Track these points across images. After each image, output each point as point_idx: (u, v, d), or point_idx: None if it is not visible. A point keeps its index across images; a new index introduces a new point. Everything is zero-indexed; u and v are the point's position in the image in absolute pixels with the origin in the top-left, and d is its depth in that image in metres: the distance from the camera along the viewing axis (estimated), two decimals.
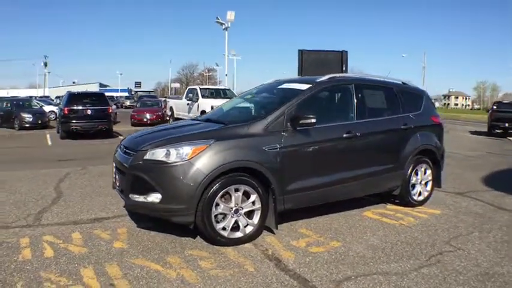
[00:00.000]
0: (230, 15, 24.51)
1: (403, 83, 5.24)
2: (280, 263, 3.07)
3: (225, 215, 3.38)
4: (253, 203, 3.49)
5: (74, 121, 12.34)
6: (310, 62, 17.77)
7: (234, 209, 3.39)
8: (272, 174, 3.52)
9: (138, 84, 74.70)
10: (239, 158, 3.37)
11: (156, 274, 2.81)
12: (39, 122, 16.34)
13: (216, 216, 3.34)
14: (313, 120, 3.64)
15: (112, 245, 3.31)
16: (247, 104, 4.66)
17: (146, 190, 3.29)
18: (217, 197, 3.29)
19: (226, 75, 30.63)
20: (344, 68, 17.77)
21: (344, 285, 2.70)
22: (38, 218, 3.96)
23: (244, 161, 3.38)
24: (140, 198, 3.33)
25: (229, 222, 3.39)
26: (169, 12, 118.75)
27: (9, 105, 17.88)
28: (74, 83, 70.14)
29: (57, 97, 31.32)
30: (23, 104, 18.26)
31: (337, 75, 4.45)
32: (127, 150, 3.64)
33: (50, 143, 12.00)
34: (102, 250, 3.20)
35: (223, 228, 3.36)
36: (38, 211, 4.20)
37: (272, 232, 3.68)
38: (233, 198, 3.38)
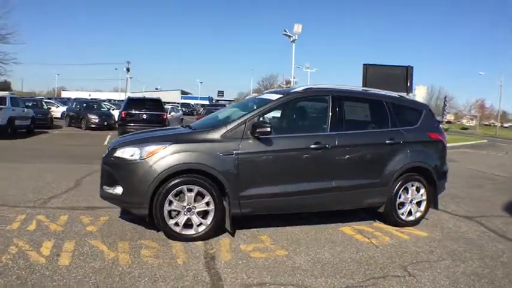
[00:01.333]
0: (297, 27, 24.35)
1: (400, 97, 4.91)
2: (212, 261, 3.13)
3: (178, 212, 3.56)
4: (208, 204, 3.62)
5: (131, 124, 13.26)
6: (375, 76, 17.13)
7: (186, 207, 3.55)
8: (226, 178, 3.61)
9: (220, 93, 77.48)
10: (192, 160, 3.53)
11: (99, 253, 3.12)
12: (105, 123, 17.19)
13: (170, 212, 3.56)
14: (268, 129, 3.64)
15: (84, 228, 3.71)
16: (228, 113, 4.83)
17: (113, 183, 3.65)
18: (169, 195, 3.49)
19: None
20: (409, 84, 16.84)
21: (225, 285, 2.68)
22: (45, 202, 4.56)
23: (196, 164, 3.53)
24: (110, 190, 3.69)
25: (182, 219, 3.56)
26: (252, 20, 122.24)
27: (78, 106, 19.33)
28: (156, 89, 75.50)
29: (109, 100, 33.24)
30: (91, 106, 19.72)
31: (315, 86, 4.37)
32: (109, 148, 4.12)
33: (106, 143, 12.84)
34: (73, 231, 3.61)
35: (176, 224, 3.54)
36: (49, 197, 4.82)
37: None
38: (186, 197, 3.55)
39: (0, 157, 8.17)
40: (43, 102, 19.82)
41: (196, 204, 3.59)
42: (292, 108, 4.19)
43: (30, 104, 15.35)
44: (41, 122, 15.01)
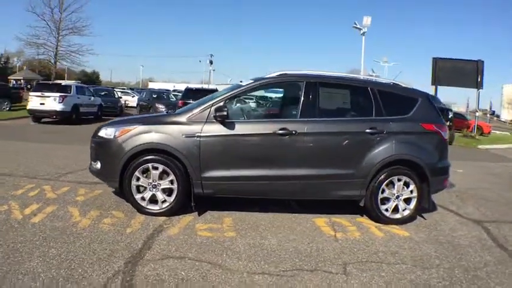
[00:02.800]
0: (366, 20, 23.32)
1: (393, 84, 4.37)
2: (156, 234, 3.26)
3: (145, 188, 3.76)
4: (172, 182, 3.75)
5: None
6: (445, 70, 15.65)
7: (152, 184, 3.73)
8: (187, 159, 3.68)
9: None
10: (156, 140, 3.66)
11: (68, 217, 3.51)
12: None
13: (138, 187, 3.78)
14: (224, 113, 3.58)
15: (75, 197, 4.12)
16: (208, 97, 4.74)
17: (96, 158, 3.99)
18: (136, 171, 3.69)
19: None
20: (479, 79, 15.16)
21: (163, 261, 2.75)
22: (60, 176, 5.08)
23: (160, 144, 3.65)
24: (94, 165, 4.03)
25: (148, 194, 3.74)
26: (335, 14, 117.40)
27: (148, 96, 20.35)
28: (240, 81, 79.81)
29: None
30: (161, 96, 20.92)
31: (290, 71, 4.14)
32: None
33: None
34: (63, 198, 4.04)
35: (143, 199, 3.73)
36: (66, 172, 5.34)
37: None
38: (152, 174, 3.74)
39: (53, 139, 9.18)
40: (114, 92, 21.72)
41: (161, 182, 3.75)
42: (265, 93, 4.09)
43: (102, 93, 17.40)
44: (110, 110, 16.50)
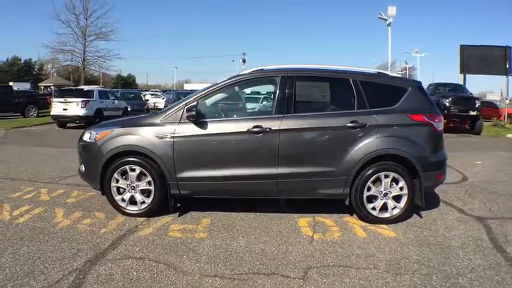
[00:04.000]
0: (391, 10, 22.37)
1: (378, 73, 4.03)
2: (128, 235, 3.28)
3: (124, 189, 3.80)
4: (149, 183, 3.75)
5: None
6: (473, 58, 14.58)
7: (131, 185, 3.75)
8: (162, 160, 3.65)
9: None
10: (131, 143, 3.67)
11: (51, 218, 3.65)
12: None
13: (118, 188, 3.82)
14: (193, 113, 3.51)
15: (66, 200, 4.25)
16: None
17: (81, 162, 4.13)
18: (115, 173, 3.73)
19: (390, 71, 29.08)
20: (508, 65, 14.16)
21: (122, 261, 2.77)
22: (60, 180, 5.21)
23: (135, 146, 3.65)
24: (80, 168, 4.19)
25: (127, 196, 3.77)
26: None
27: (174, 97, 21.47)
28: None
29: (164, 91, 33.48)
30: (183, 96, 22.59)
31: (266, 67, 3.93)
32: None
33: None
34: (54, 201, 4.18)
35: (123, 200, 3.76)
36: (68, 175, 5.46)
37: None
38: (130, 176, 3.75)
39: (72, 143, 9.62)
40: (141, 95, 22.56)
41: (139, 183, 3.76)
42: (237, 91, 3.97)
43: (130, 96, 18.11)
44: (136, 113, 17.54)
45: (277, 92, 3.70)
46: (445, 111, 12.76)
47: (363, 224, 3.69)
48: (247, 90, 3.99)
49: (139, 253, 2.94)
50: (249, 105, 4.07)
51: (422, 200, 3.71)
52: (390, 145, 3.61)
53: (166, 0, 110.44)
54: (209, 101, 3.85)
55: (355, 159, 3.59)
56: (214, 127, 3.66)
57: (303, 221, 3.76)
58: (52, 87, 24.04)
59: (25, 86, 34.99)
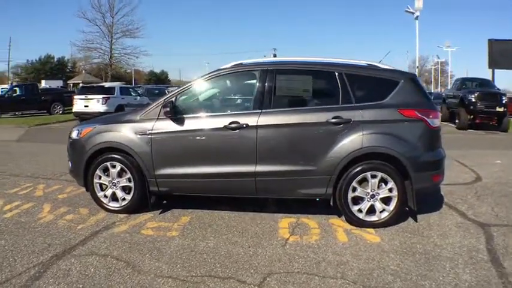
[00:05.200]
0: (418, 3, 21.54)
1: (369, 65, 3.71)
2: (102, 231, 3.30)
3: (106, 186, 3.84)
4: (129, 180, 3.78)
5: None
6: (502, 52, 13.64)
7: (112, 182, 3.78)
8: (140, 157, 3.62)
9: None
10: (111, 139, 3.68)
11: (37, 213, 3.76)
12: None
13: (101, 185, 3.87)
14: (167, 109, 3.46)
15: (57, 195, 4.37)
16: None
17: (68, 158, 4.23)
18: (97, 170, 3.77)
19: (417, 67, 27.97)
20: None
21: (85, 257, 2.78)
22: (60, 176, 5.25)
23: (115, 142, 3.66)
24: (69, 164, 4.30)
25: (109, 192, 3.80)
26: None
27: None
28: None
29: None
30: None
31: (246, 61, 3.76)
32: None
33: None
34: (46, 196, 4.29)
35: (105, 196, 3.81)
36: (68, 172, 5.54)
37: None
38: (111, 173, 3.79)
39: None
40: (166, 91, 23.29)
41: (119, 180, 3.79)
42: (216, 86, 3.84)
43: (156, 92, 18.62)
44: None
45: (256, 86, 3.55)
46: (471, 107, 12.06)
47: (349, 227, 3.46)
48: (227, 85, 3.87)
49: (105, 250, 2.95)
50: (228, 101, 3.95)
51: (414, 203, 3.41)
52: (377, 143, 3.33)
53: None
54: (188, 97, 3.78)
55: (338, 157, 3.36)
56: (191, 123, 3.58)
57: (285, 222, 3.59)
58: (81, 84, 25.14)
59: (57, 83, 36.48)
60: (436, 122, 3.46)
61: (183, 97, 3.72)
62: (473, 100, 12.03)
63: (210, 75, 3.75)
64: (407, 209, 3.96)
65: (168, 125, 3.60)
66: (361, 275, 2.59)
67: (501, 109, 11.83)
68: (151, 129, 3.63)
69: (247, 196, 3.71)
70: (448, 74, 49.57)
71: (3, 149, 8.07)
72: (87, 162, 3.80)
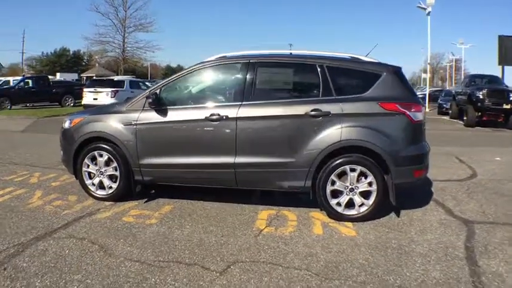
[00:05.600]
0: None
1: (351, 58, 3.67)
2: (85, 217, 3.42)
3: (94, 174, 3.99)
4: (116, 169, 3.90)
5: None
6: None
7: (99, 170, 3.91)
8: (125, 147, 3.73)
9: None
10: (97, 129, 3.81)
11: (27, 198, 3.94)
12: None
13: (89, 173, 4.01)
14: (150, 100, 3.56)
15: (50, 183, 4.55)
16: None
17: (60, 148, 4.39)
18: (86, 158, 3.90)
19: (429, 63, 27.37)
20: None
21: (63, 240, 2.92)
22: (59, 164, 5.11)
23: (102, 132, 3.78)
24: (60, 153, 4.43)
25: (96, 180, 3.94)
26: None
27: None
28: None
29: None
30: None
31: (230, 54, 3.79)
32: None
33: None
34: (39, 184, 4.48)
35: (93, 184, 3.94)
36: None
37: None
38: (98, 161, 3.92)
39: None
40: None
41: (106, 168, 3.91)
42: (200, 78, 3.88)
43: None
44: None
45: (238, 79, 3.59)
46: (478, 104, 11.81)
47: (328, 220, 3.46)
48: (211, 78, 3.92)
49: (83, 234, 3.07)
50: (211, 93, 3.99)
51: (393, 198, 3.38)
52: (356, 136, 3.32)
53: None
54: (172, 89, 3.86)
55: (316, 150, 3.36)
56: (173, 114, 3.66)
57: (265, 214, 3.63)
58: (94, 77, 25.69)
59: (72, 76, 37.23)
60: (419, 115, 3.41)
61: (168, 89, 3.80)
62: (481, 97, 11.82)
63: (194, 67, 3.81)
64: (394, 203, 3.97)
65: (152, 116, 3.70)
66: (327, 267, 2.60)
67: (508, 106, 11.58)
68: (137, 120, 3.73)
69: (228, 187, 3.76)
70: (462, 71, 48.16)
71: (7, 139, 8.44)
72: (76, 151, 3.95)
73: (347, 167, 3.37)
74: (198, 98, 3.84)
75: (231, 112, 3.49)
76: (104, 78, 18.71)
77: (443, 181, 4.84)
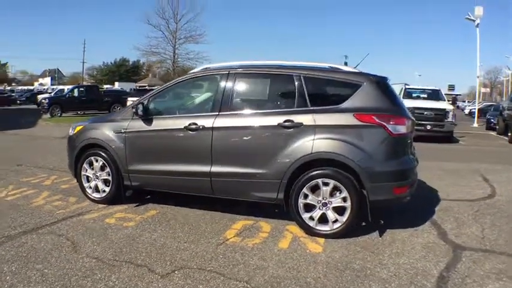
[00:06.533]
0: (478, 10, 20.37)
1: (331, 68, 3.59)
2: (75, 216, 3.79)
3: (91, 178, 4.37)
4: (109, 174, 4.26)
5: None
6: None
7: (95, 175, 4.29)
8: (116, 153, 4.07)
9: (451, 87, 70.85)
10: (93, 136, 4.22)
11: (28, 197, 4.39)
12: None
13: (87, 177, 4.41)
14: (135, 110, 3.88)
15: (61, 185, 5.03)
16: None
17: (67, 153, 4.90)
18: (84, 163, 4.33)
19: (478, 76, 25.50)
20: None
21: (44, 235, 3.14)
22: (60, 168, 6.09)
23: (96, 139, 4.18)
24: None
25: (93, 184, 4.33)
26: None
27: None
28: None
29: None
30: None
31: (213, 65, 3.93)
32: None
33: None
34: (50, 186, 4.97)
35: (90, 187, 4.34)
36: None
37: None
38: (94, 167, 4.32)
39: None
40: None
41: (101, 173, 4.28)
42: (185, 89, 4.09)
43: None
44: None
45: (217, 89, 3.75)
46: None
47: (301, 235, 3.42)
48: (194, 88, 4.15)
49: (63, 231, 3.42)
50: (192, 103, 4.19)
51: (369, 216, 3.23)
52: (328, 148, 3.26)
53: (264, 2, 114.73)
54: (159, 99, 4.14)
55: (288, 162, 3.36)
56: (157, 123, 3.93)
57: (240, 224, 3.69)
58: (147, 87, 27.59)
59: (130, 86, 39.54)
60: (401, 128, 3.25)
61: (155, 99, 4.09)
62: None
63: (180, 78, 4.07)
64: (381, 222, 3.80)
65: (139, 125, 4.00)
66: (268, 281, 2.58)
67: None
68: (126, 128, 4.07)
69: (206, 195, 3.88)
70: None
71: (45, 144, 9.47)
72: (76, 156, 4.39)
73: (319, 181, 3.32)
74: (180, 108, 4.07)
75: (208, 122, 3.65)
76: (147, 87, 19.87)
77: (453, 200, 4.48)
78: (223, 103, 3.68)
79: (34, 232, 3.37)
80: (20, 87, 48.96)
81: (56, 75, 71.01)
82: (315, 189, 3.37)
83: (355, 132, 3.26)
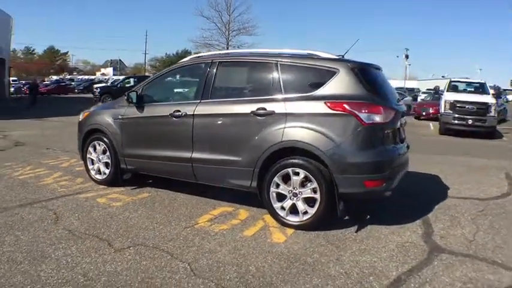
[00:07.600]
0: None
1: (309, 54, 3.46)
2: (74, 194, 4.19)
3: (95, 161, 4.80)
4: (109, 157, 4.62)
5: None
6: None
7: (98, 158, 4.71)
8: (113, 137, 4.43)
9: None
10: (95, 122, 4.63)
11: (44, 177, 4.93)
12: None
13: (92, 160, 4.81)
14: (126, 97, 4.13)
15: (76, 167, 5.52)
16: None
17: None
18: (89, 147, 4.77)
19: None
20: None
21: (39, 209, 3.52)
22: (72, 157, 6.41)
23: (97, 124, 4.59)
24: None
25: (96, 166, 4.75)
26: None
27: None
28: (443, 77, 70.33)
29: None
30: None
31: (202, 54, 4.00)
32: None
33: None
34: (67, 168, 5.48)
35: (93, 169, 4.78)
36: None
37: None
38: (97, 150, 4.73)
39: None
40: None
41: (103, 156, 4.68)
42: (175, 77, 4.24)
43: None
44: None
45: (201, 77, 3.89)
46: None
47: (273, 224, 3.43)
48: (182, 77, 4.32)
49: (54, 206, 3.83)
50: (179, 91, 4.36)
51: (338, 209, 3.14)
52: (296, 137, 3.23)
53: None
54: (152, 87, 4.39)
55: (260, 150, 3.40)
56: (148, 111, 4.19)
57: (219, 210, 3.83)
58: None
59: None
60: (375, 117, 3.10)
61: (148, 87, 4.35)
62: None
63: (171, 67, 4.28)
64: (368, 217, 3.69)
65: (133, 112, 4.31)
66: (209, 265, 2.68)
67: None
68: (123, 115, 4.40)
69: (190, 181, 4.05)
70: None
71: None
72: (83, 140, 4.84)
73: (290, 170, 3.30)
74: (169, 96, 4.29)
75: (190, 109, 3.81)
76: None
77: (461, 198, 4.16)
78: (204, 91, 3.81)
79: (29, 206, 3.83)
80: (80, 77, 53.43)
81: (118, 66, 76.43)
82: (286, 178, 3.36)
83: (326, 120, 3.17)
